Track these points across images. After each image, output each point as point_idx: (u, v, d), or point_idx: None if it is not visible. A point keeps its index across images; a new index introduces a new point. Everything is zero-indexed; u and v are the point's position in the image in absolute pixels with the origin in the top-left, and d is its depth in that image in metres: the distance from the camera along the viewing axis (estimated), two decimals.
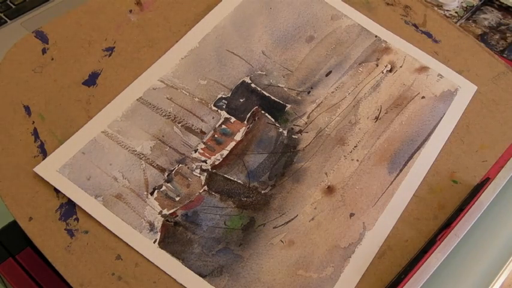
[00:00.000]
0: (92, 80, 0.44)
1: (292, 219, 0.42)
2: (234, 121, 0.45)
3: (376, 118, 0.47)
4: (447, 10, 0.65)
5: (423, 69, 0.50)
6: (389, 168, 0.44)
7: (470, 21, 0.64)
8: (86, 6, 0.46)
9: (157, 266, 0.38)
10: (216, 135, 0.44)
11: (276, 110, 0.46)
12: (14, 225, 0.42)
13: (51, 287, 0.40)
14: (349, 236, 0.41)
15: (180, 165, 0.42)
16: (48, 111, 0.42)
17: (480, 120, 0.48)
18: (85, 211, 0.39)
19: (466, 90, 0.49)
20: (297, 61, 0.49)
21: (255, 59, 0.48)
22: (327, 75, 0.48)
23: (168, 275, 0.38)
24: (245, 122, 0.45)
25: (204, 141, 0.43)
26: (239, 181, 0.42)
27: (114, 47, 0.45)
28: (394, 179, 0.44)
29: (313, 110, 0.46)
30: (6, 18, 0.68)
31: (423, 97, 0.48)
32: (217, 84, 0.46)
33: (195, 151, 0.43)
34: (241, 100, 0.46)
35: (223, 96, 0.46)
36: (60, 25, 0.45)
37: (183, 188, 0.41)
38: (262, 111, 0.46)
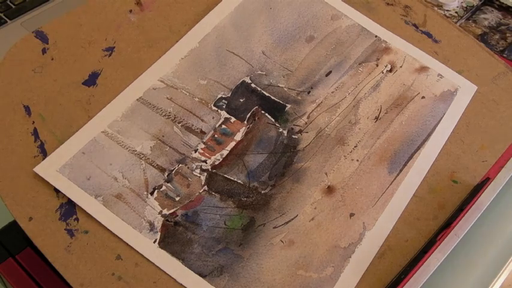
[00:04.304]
0: (92, 80, 0.44)
1: (292, 219, 0.42)
2: (234, 121, 0.45)
3: (376, 118, 0.47)
4: (447, 10, 0.65)
5: (423, 69, 0.50)
6: (389, 168, 0.44)
7: (470, 21, 0.64)
8: (86, 6, 0.46)
9: (157, 266, 0.38)
10: (216, 135, 0.44)
11: (276, 110, 0.46)
12: (14, 225, 0.42)
13: (51, 287, 0.40)
14: (349, 236, 0.41)
15: (180, 165, 0.42)
16: (48, 111, 0.42)
17: (480, 120, 0.48)
18: (85, 211, 0.39)
19: (466, 90, 0.49)
20: (297, 61, 0.49)
21: (255, 59, 0.48)
22: (327, 75, 0.48)
23: (168, 275, 0.38)
24: (245, 122, 0.45)
25: (204, 141, 0.43)
26: (239, 181, 0.42)
27: (114, 47, 0.45)
28: (394, 179, 0.44)
29: (313, 110, 0.46)
30: (6, 18, 0.68)
31: (423, 97, 0.48)
32: (217, 84, 0.46)
33: (195, 151, 0.43)
34: (241, 100, 0.46)
35: (223, 96, 0.46)
36: (60, 25, 0.45)
37: (183, 188, 0.41)
38: (262, 111, 0.46)
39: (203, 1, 0.49)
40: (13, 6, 0.69)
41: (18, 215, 0.38)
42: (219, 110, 0.45)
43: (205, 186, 0.42)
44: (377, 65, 0.49)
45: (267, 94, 0.47)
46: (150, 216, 0.40)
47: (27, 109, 0.42)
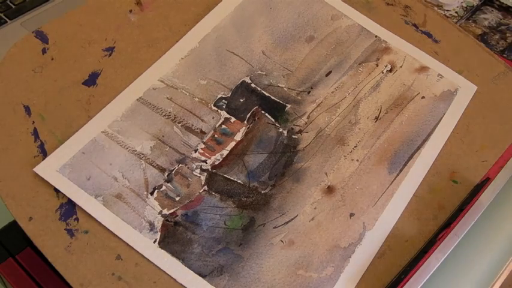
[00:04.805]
0: (92, 80, 0.44)
1: (292, 219, 0.42)
2: (234, 121, 0.45)
3: (376, 118, 0.47)
4: (447, 10, 0.65)
5: (423, 69, 0.50)
6: (389, 168, 0.44)
7: (470, 21, 0.64)
8: (86, 6, 0.46)
9: (157, 266, 0.38)
10: (216, 135, 0.44)
11: (276, 110, 0.46)
12: (14, 225, 0.42)
13: (51, 287, 0.40)
14: (349, 236, 0.41)
15: (180, 165, 0.42)
16: (48, 111, 0.42)
17: (480, 120, 0.48)
18: (85, 211, 0.39)
19: (466, 90, 0.49)
20: (297, 61, 0.49)
21: (255, 59, 0.48)
22: (327, 75, 0.48)
23: (168, 275, 0.38)
24: (245, 122, 0.45)
25: (204, 141, 0.43)
26: (239, 181, 0.42)
27: (114, 47, 0.45)
28: (394, 179, 0.44)
29: (313, 110, 0.46)
30: (6, 18, 0.68)
31: (423, 97, 0.48)
32: (217, 84, 0.46)
33: (195, 151, 0.43)
34: (241, 100, 0.46)
35: (223, 96, 0.46)
36: (60, 25, 0.45)
37: (183, 188, 0.41)
38: (262, 111, 0.46)
39: (203, 1, 0.49)
40: (13, 6, 0.69)
41: (18, 215, 0.38)
42: (219, 110, 0.45)
43: (205, 186, 0.42)
44: (377, 65, 0.49)
45: (267, 94, 0.47)
46: (150, 216, 0.40)
47: (27, 109, 0.42)
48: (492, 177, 0.44)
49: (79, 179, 0.40)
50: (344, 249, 0.41)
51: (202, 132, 0.44)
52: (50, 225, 0.38)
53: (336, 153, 0.45)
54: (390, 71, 0.49)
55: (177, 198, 0.41)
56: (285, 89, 0.47)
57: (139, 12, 0.47)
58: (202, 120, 0.44)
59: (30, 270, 0.41)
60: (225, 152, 0.43)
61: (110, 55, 0.45)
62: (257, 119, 0.45)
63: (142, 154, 0.42)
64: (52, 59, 0.44)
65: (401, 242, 0.41)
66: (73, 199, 0.39)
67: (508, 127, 0.48)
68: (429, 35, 0.52)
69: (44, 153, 0.40)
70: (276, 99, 0.47)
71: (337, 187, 0.43)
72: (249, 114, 0.45)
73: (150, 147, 0.42)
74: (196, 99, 0.45)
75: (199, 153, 0.43)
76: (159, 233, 0.39)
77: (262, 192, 0.42)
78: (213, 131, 0.44)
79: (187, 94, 0.45)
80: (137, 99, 0.44)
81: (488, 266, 0.43)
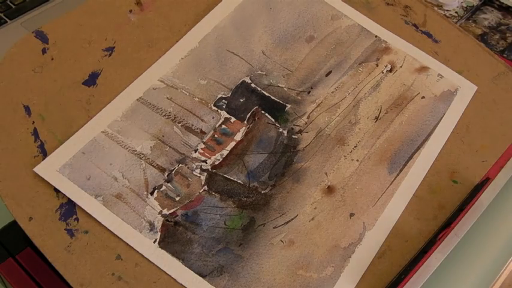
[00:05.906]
0: (92, 80, 0.44)
1: (292, 219, 0.42)
2: (234, 121, 0.45)
3: (376, 118, 0.47)
4: (447, 10, 0.65)
5: (423, 69, 0.50)
6: (389, 168, 0.44)
7: (470, 21, 0.64)
8: (86, 6, 0.46)
9: (157, 266, 0.38)
10: (216, 135, 0.44)
11: (276, 110, 0.46)
12: (14, 225, 0.42)
13: (51, 287, 0.40)
14: (349, 236, 0.41)
15: (180, 165, 0.42)
16: (48, 111, 0.42)
17: (480, 120, 0.48)
18: (85, 211, 0.39)
19: (466, 90, 0.49)
20: (297, 61, 0.49)
21: (255, 59, 0.48)
22: (327, 75, 0.48)
23: (168, 275, 0.38)
24: (245, 122, 0.45)
25: (204, 141, 0.43)
26: (239, 181, 0.42)
27: (114, 47, 0.45)
28: (394, 179, 0.44)
29: (313, 110, 0.46)
30: (6, 18, 0.68)
31: (423, 97, 0.48)
32: (217, 84, 0.46)
33: (195, 151, 0.43)
34: (241, 100, 0.46)
35: (223, 96, 0.46)
36: (60, 25, 0.45)
37: (183, 188, 0.41)
38: (262, 111, 0.46)
39: (203, 1, 0.49)
40: (13, 6, 0.69)
41: (18, 215, 0.38)
42: (219, 110, 0.45)
43: (205, 186, 0.42)
44: (377, 65, 0.49)
45: (267, 94, 0.47)
46: (150, 216, 0.40)
47: (27, 109, 0.42)
48: (492, 177, 0.44)
49: (79, 179, 0.40)
50: (344, 249, 0.41)
51: (202, 132, 0.44)
52: (50, 225, 0.38)
53: (336, 153, 0.45)
54: (390, 71, 0.49)
55: (177, 198, 0.41)
56: (285, 89, 0.47)
57: (139, 12, 0.47)
58: (202, 120, 0.44)
59: (30, 270, 0.41)
60: (225, 152, 0.43)
61: (110, 55, 0.45)
62: (257, 119, 0.45)
63: (142, 154, 0.42)
64: (52, 59, 0.44)
65: (401, 242, 0.41)
66: (73, 199, 0.39)
67: (508, 127, 0.48)
68: (429, 35, 0.52)
69: (44, 153, 0.40)
70: (276, 99, 0.47)
71: (337, 187, 0.43)
72: (249, 114, 0.45)
73: (150, 147, 0.42)
74: (196, 99, 0.45)
75: (199, 153, 0.43)
76: (159, 233, 0.39)
77: (262, 192, 0.42)
78: (213, 131, 0.44)
79: (187, 94, 0.45)
80: (137, 99, 0.44)
81: (488, 266, 0.43)
